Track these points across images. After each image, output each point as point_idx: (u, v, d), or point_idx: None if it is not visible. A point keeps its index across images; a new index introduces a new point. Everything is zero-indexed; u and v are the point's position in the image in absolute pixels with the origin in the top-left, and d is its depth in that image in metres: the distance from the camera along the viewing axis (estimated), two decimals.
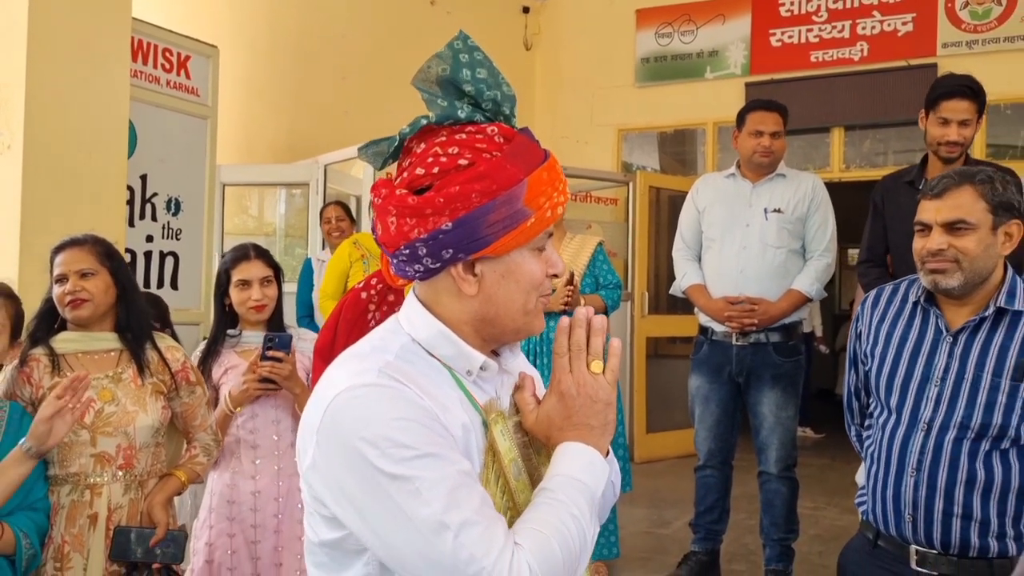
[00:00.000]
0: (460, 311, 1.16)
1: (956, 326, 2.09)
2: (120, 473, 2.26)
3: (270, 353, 2.59)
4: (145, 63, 4.77)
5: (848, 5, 6.61)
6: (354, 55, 7.01)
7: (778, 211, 3.68)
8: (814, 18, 6.72)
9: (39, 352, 2.26)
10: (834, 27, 6.66)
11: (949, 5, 6.28)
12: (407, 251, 1.12)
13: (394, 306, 1.28)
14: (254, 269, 2.73)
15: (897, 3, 6.45)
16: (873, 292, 2.32)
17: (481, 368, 1.17)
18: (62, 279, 2.26)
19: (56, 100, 3.84)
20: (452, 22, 7.50)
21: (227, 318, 2.79)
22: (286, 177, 6.40)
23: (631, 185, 6.77)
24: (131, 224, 4.58)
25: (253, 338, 2.77)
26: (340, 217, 5.17)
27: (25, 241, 3.58)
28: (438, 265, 1.13)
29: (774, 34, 6.86)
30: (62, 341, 2.28)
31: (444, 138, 1.13)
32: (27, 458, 2.07)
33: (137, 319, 2.34)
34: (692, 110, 7.18)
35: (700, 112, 7.15)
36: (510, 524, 1.07)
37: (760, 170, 3.76)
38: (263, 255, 2.79)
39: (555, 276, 1.21)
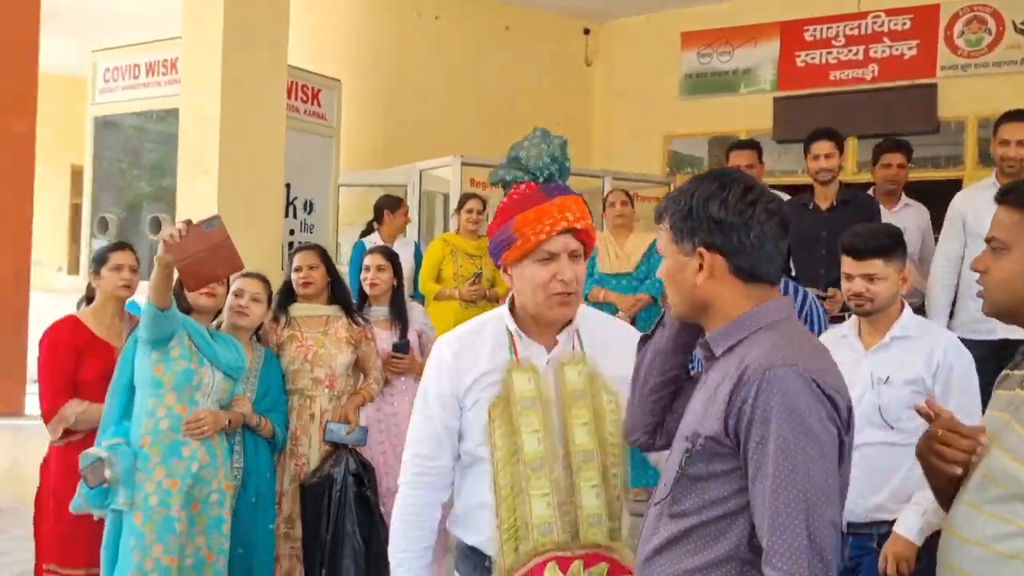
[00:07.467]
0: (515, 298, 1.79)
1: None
2: (326, 391, 3.62)
3: (394, 354, 3.88)
4: (290, 97, 6.18)
5: (862, 32, 7.69)
6: (434, 78, 8.26)
7: None
8: (833, 43, 7.82)
9: (279, 314, 3.65)
10: (850, 50, 7.75)
11: (948, 33, 7.34)
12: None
13: None
14: (378, 259, 3.96)
15: (903, 31, 7.52)
16: None
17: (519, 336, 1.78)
18: (300, 270, 3.63)
19: (238, 135, 5.25)
20: (521, 43, 8.72)
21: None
22: (389, 180, 7.69)
23: (671, 186, 7.97)
24: None
25: (378, 311, 3.95)
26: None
27: None
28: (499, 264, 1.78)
29: (799, 56, 7.99)
30: (293, 308, 3.67)
31: (513, 189, 1.77)
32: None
33: (345, 296, 3.73)
34: (728, 120, 8.32)
35: (735, 122, 8.29)
36: None
37: None
38: (384, 252, 4.08)
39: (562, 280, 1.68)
